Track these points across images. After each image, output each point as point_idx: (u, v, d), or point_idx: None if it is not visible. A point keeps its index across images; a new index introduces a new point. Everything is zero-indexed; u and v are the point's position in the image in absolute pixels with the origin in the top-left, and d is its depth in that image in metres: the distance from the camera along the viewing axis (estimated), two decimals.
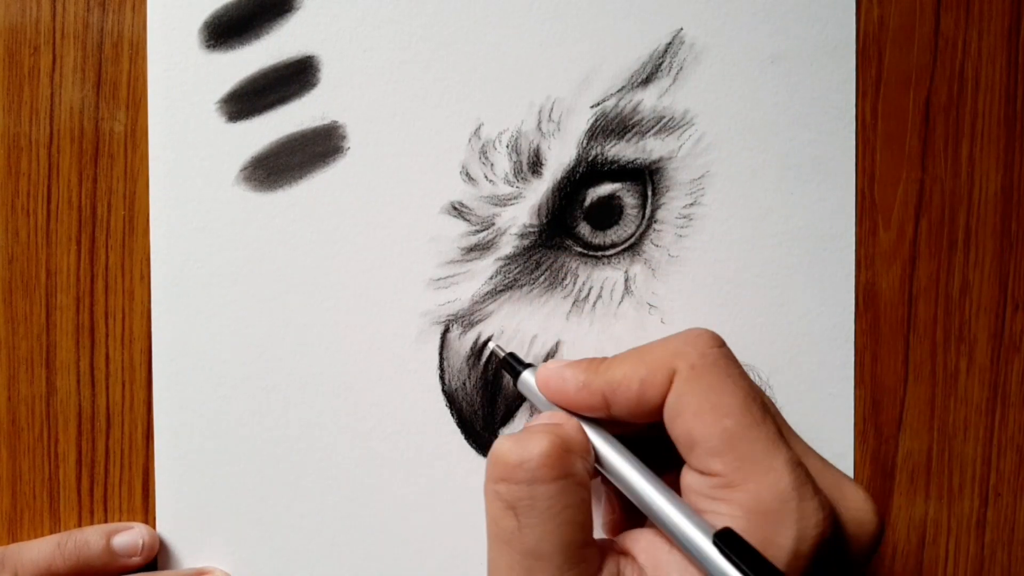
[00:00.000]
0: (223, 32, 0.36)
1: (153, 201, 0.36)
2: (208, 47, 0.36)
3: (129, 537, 0.35)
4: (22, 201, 0.37)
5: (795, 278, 0.37)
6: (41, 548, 0.35)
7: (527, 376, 0.33)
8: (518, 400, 0.37)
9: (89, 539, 0.35)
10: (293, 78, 0.36)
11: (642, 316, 0.36)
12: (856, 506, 0.27)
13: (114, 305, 0.37)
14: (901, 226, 0.38)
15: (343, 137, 0.36)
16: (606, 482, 0.31)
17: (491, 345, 0.36)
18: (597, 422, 0.30)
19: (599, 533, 0.32)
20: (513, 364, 0.34)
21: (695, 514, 0.27)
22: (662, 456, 0.30)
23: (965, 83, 0.37)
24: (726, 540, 0.25)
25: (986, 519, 0.38)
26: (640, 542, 0.28)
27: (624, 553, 0.28)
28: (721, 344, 0.29)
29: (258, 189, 0.36)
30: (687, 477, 0.28)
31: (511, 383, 0.36)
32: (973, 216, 0.38)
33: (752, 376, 0.32)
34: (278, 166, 0.36)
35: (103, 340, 0.37)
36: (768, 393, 0.35)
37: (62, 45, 0.36)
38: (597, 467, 0.30)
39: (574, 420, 0.30)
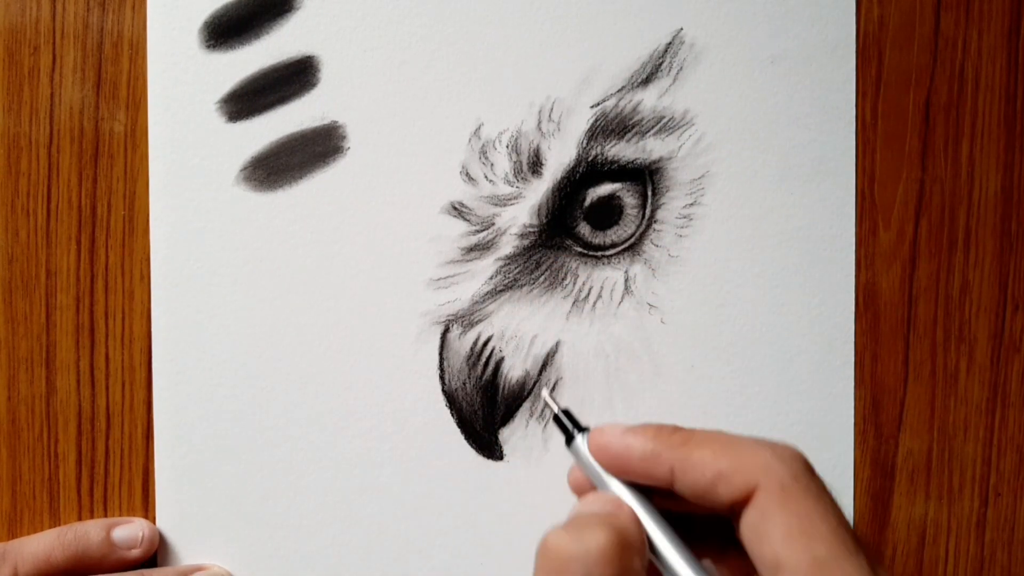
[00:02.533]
0: (223, 32, 0.36)
1: (153, 201, 0.36)
2: (208, 47, 0.36)
3: (129, 530, 0.35)
4: (22, 201, 0.37)
5: (795, 278, 0.37)
6: (41, 540, 0.35)
7: (580, 443, 0.30)
8: (518, 400, 0.37)
9: (89, 531, 0.35)
10: (293, 78, 0.36)
11: (642, 316, 0.36)
12: None
13: (114, 305, 0.37)
14: (901, 226, 0.38)
15: (343, 137, 0.36)
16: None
17: (544, 395, 0.35)
18: (650, 500, 0.29)
19: None
20: (566, 424, 0.31)
21: None
22: (711, 531, 0.29)
23: (965, 83, 0.37)
24: None
25: (986, 519, 0.38)
26: None
27: None
28: (810, 468, 0.27)
29: (258, 189, 0.36)
30: None
31: (511, 383, 0.36)
32: (973, 216, 0.38)
33: None
34: (278, 166, 0.36)
35: (103, 340, 0.37)
36: (773, 394, 0.35)
37: (62, 45, 0.36)
38: (651, 557, 0.28)
39: (629, 509, 0.28)
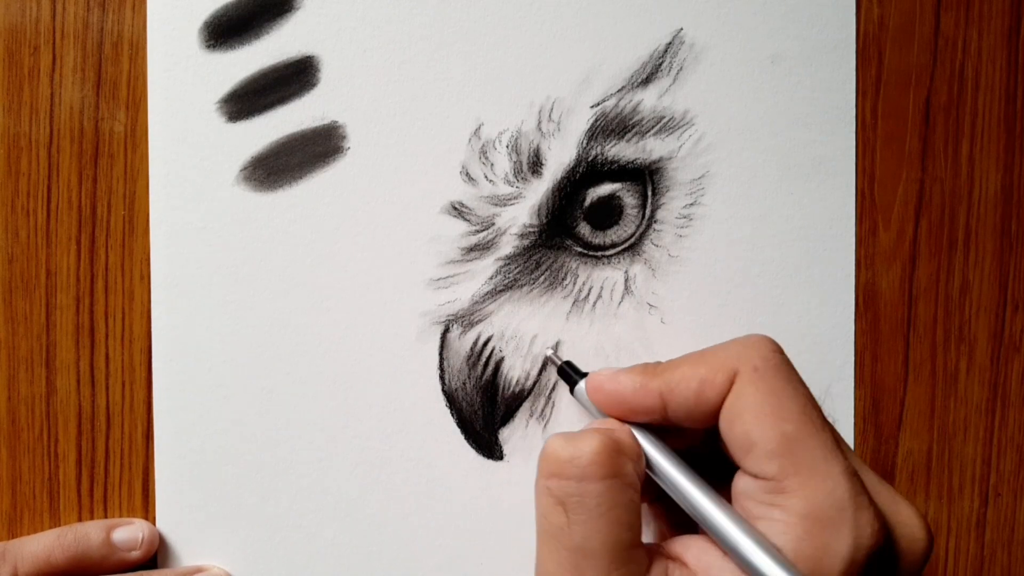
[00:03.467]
0: (223, 32, 0.36)
1: (153, 201, 0.36)
2: (208, 47, 0.36)
3: (129, 531, 0.35)
4: (22, 201, 0.37)
5: (795, 278, 0.37)
6: (41, 541, 0.35)
7: (583, 388, 0.33)
8: (518, 400, 0.37)
9: (89, 532, 0.35)
10: (293, 78, 0.36)
11: (642, 316, 0.36)
12: (908, 522, 0.28)
13: (114, 305, 0.37)
14: (901, 226, 0.38)
15: (343, 137, 0.36)
16: (654, 491, 0.31)
17: (547, 352, 0.36)
18: (649, 430, 0.30)
19: (647, 539, 0.32)
20: (570, 373, 0.34)
21: (747, 522, 0.27)
22: (711, 470, 0.30)
23: (965, 83, 0.38)
24: None
25: (986, 519, 0.38)
26: (691, 548, 0.28)
27: (673, 558, 0.28)
28: (781, 351, 0.29)
29: (258, 189, 0.36)
30: (740, 482, 0.28)
31: (511, 383, 0.36)
32: (973, 216, 0.38)
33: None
34: (278, 166, 0.36)
35: (103, 340, 0.37)
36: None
37: (62, 45, 0.36)
38: (648, 473, 0.30)
39: (626, 426, 0.30)
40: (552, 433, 0.29)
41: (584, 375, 0.33)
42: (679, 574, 0.27)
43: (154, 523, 0.37)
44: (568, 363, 0.35)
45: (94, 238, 0.37)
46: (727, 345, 0.29)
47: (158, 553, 0.36)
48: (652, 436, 0.30)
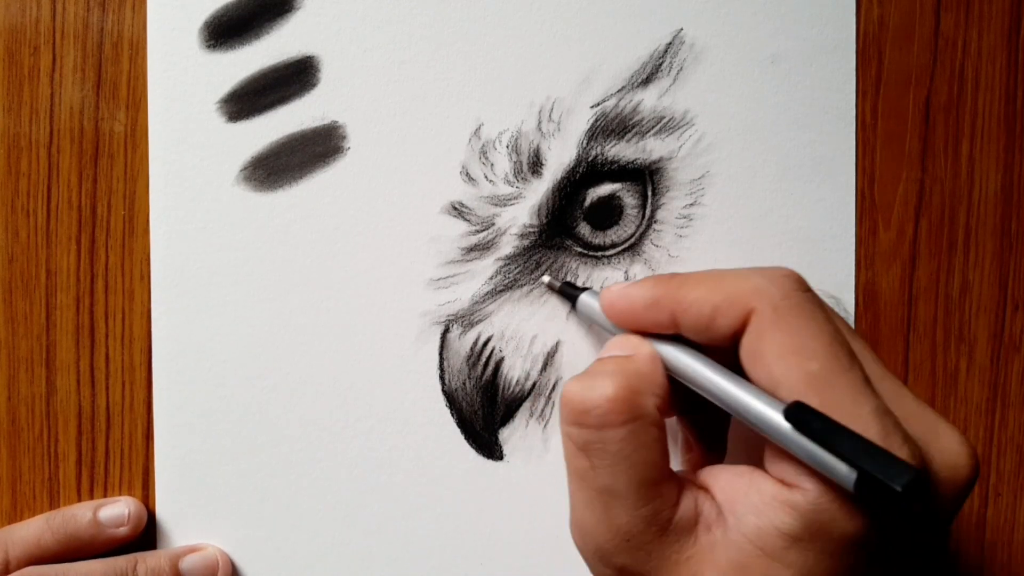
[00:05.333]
0: (223, 32, 0.36)
1: (153, 201, 0.36)
2: (208, 47, 0.36)
3: (115, 509, 0.36)
4: (22, 201, 0.37)
5: None
6: (30, 526, 0.35)
7: (586, 299, 0.33)
8: (518, 400, 0.37)
9: (76, 513, 0.36)
10: (293, 78, 0.36)
11: None
12: (950, 448, 0.26)
13: (114, 305, 0.37)
14: (901, 226, 0.38)
15: (343, 137, 0.36)
16: (682, 403, 0.31)
17: (544, 279, 0.36)
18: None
19: (675, 456, 0.32)
20: (569, 291, 0.35)
21: (765, 394, 0.26)
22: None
23: (965, 83, 0.37)
24: (797, 413, 0.24)
25: (986, 519, 0.38)
26: (719, 480, 0.27)
27: (703, 488, 0.28)
28: (804, 286, 0.27)
29: (258, 189, 0.36)
30: None
31: (511, 383, 0.36)
32: (973, 216, 0.38)
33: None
34: (278, 166, 0.36)
35: (103, 340, 0.37)
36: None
37: (62, 45, 0.36)
38: (676, 379, 0.29)
39: (645, 349, 0.29)
40: (570, 377, 0.28)
41: (584, 289, 0.33)
42: (708, 505, 0.27)
43: (154, 523, 0.37)
44: (568, 283, 0.35)
45: (94, 238, 0.37)
46: (747, 274, 0.28)
47: (157, 547, 0.36)
48: (675, 343, 0.29)
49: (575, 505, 0.28)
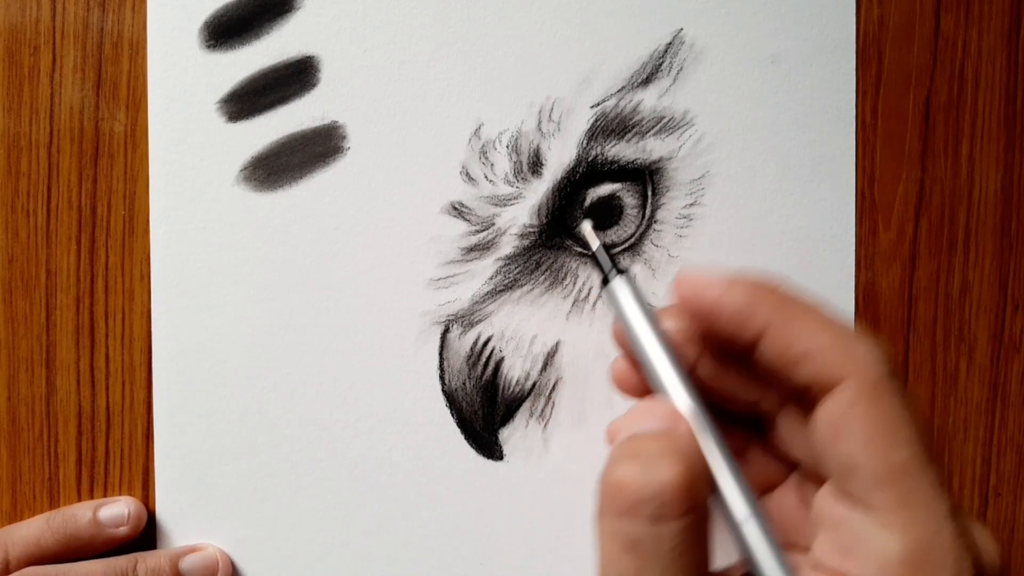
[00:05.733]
0: (223, 32, 0.36)
1: (153, 201, 0.36)
2: (208, 47, 0.36)
3: (115, 508, 0.36)
4: (22, 201, 0.37)
5: (795, 278, 0.37)
6: (30, 526, 0.35)
7: (617, 286, 0.28)
8: (518, 400, 0.37)
9: (76, 512, 0.36)
10: (293, 78, 0.36)
11: None
12: (986, 548, 0.25)
13: (114, 305, 0.37)
14: (901, 226, 0.38)
15: (343, 137, 0.36)
16: None
17: (586, 229, 0.33)
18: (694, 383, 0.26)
19: None
20: (606, 259, 0.29)
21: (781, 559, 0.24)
22: (737, 426, 0.27)
23: (965, 83, 0.37)
24: None
25: (986, 519, 0.38)
26: None
27: None
28: (895, 364, 0.25)
29: (258, 189, 0.36)
30: (827, 502, 0.25)
31: (511, 383, 0.37)
32: (973, 216, 0.38)
33: None
34: (278, 166, 0.36)
35: (103, 340, 0.37)
36: None
37: (62, 45, 0.36)
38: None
39: (685, 426, 0.26)
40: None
41: (622, 271, 0.28)
42: None
43: (154, 523, 0.37)
44: (606, 246, 0.30)
45: (94, 238, 0.37)
46: (854, 336, 0.25)
47: (157, 548, 0.36)
48: (712, 429, 0.25)
49: None
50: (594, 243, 0.30)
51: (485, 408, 0.37)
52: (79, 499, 0.37)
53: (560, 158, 0.36)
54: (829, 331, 0.25)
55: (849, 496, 0.24)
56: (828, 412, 0.24)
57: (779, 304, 0.25)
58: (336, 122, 0.36)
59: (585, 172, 0.36)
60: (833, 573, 0.24)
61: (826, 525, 0.25)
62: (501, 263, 0.36)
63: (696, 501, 0.23)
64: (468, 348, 0.37)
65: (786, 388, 0.26)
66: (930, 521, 0.23)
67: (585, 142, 0.36)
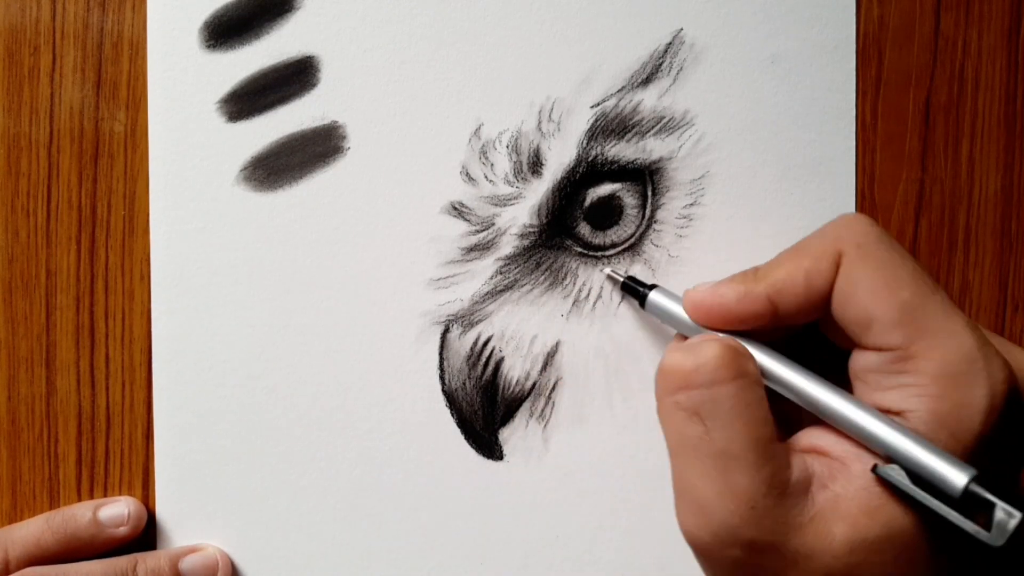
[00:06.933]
0: (223, 32, 0.36)
1: (153, 201, 0.36)
2: (208, 47, 0.36)
3: (115, 508, 0.36)
4: (22, 201, 0.37)
5: None
6: (30, 526, 0.35)
7: (658, 297, 0.33)
8: (518, 400, 0.37)
9: (76, 512, 0.36)
10: (293, 78, 0.36)
11: (642, 316, 0.36)
12: (1016, 357, 0.28)
13: (114, 305, 0.37)
14: (901, 226, 0.38)
15: (343, 137, 0.36)
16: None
17: (607, 270, 0.36)
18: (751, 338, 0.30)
19: None
20: (634, 287, 0.34)
21: (872, 408, 0.27)
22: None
23: (965, 83, 0.37)
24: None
25: None
26: (824, 439, 0.28)
27: (807, 450, 0.28)
28: (877, 224, 0.29)
29: (258, 189, 0.36)
30: (860, 360, 0.28)
31: (511, 383, 0.36)
32: (973, 216, 0.38)
33: None
34: (278, 166, 0.36)
35: (103, 340, 0.37)
36: None
37: (62, 45, 0.36)
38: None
39: (729, 337, 0.30)
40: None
41: (652, 287, 0.34)
42: (818, 465, 0.27)
43: (154, 523, 0.37)
44: (631, 277, 0.35)
45: (94, 238, 0.37)
46: (822, 231, 0.29)
47: (157, 548, 0.36)
48: (754, 343, 0.30)
49: (687, 487, 0.28)
50: (619, 277, 0.35)
51: (485, 408, 0.37)
52: (79, 499, 0.37)
53: (560, 158, 0.36)
54: (803, 249, 0.29)
55: (875, 346, 0.27)
56: (837, 290, 0.28)
57: (760, 274, 0.30)
58: (336, 122, 0.36)
59: (585, 172, 0.36)
60: (875, 406, 0.27)
61: (863, 379, 0.28)
62: (501, 263, 0.36)
63: (742, 368, 0.27)
64: (468, 348, 0.37)
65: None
66: (952, 337, 0.26)
67: (585, 142, 0.36)
